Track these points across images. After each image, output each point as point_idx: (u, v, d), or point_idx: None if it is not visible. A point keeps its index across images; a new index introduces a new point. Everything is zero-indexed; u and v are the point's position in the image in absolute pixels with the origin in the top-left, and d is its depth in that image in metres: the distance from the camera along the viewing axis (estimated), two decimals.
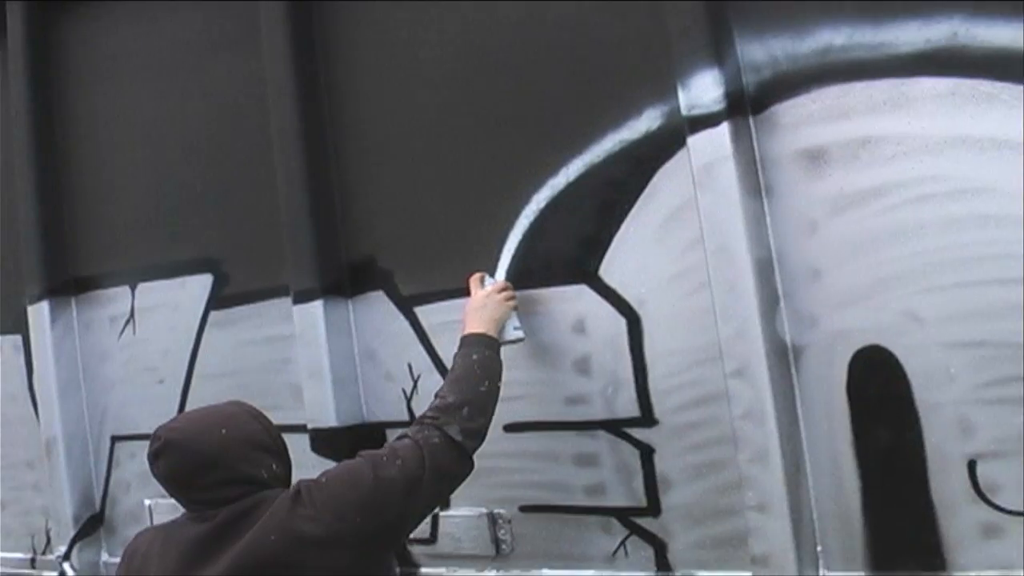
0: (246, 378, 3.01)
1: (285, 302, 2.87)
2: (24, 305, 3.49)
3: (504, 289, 2.48)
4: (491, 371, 2.31)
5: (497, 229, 2.53)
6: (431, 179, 2.67)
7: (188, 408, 3.01)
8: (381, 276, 2.76)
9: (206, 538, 2.00)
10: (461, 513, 2.64)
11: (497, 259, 2.54)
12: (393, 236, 2.74)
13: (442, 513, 2.66)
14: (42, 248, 3.42)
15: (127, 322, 3.33)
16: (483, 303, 2.43)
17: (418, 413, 2.51)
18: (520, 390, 2.51)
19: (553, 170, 2.44)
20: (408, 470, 2.06)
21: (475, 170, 2.59)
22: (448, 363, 2.52)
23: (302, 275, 2.81)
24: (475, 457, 2.39)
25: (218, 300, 3.09)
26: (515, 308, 2.47)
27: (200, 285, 3.13)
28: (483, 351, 2.33)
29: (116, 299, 3.37)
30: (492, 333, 2.39)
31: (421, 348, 2.69)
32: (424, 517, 2.18)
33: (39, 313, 3.43)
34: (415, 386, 2.71)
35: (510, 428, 2.54)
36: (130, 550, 2.17)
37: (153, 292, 3.27)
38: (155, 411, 3.16)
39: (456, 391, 2.23)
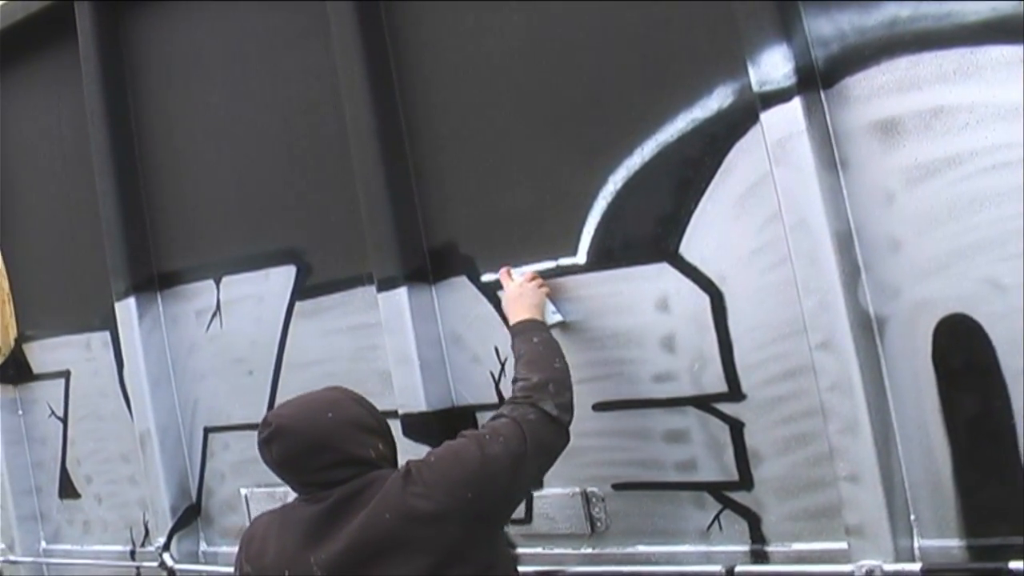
0: (334, 366, 3.18)
1: (369, 290, 3.04)
2: (111, 302, 3.70)
3: (534, 278, 2.67)
4: (556, 350, 2.50)
5: (575, 212, 2.66)
6: (508, 165, 2.79)
7: (279, 398, 3.19)
8: (462, 262, 2.91)
9: (321, 518, 2.21)
10: (555, 492, 2.77)
11: (577, 241, 2.68)
12: (472, 222, 2.88)
13: (536, 493, 2.80)
14: (125, 245, 3.63)
15: (213, 315, 3.52)
16: (520, 292, 2.63)
17: (507, 395, 2.71)
18: (607, 369, 2.66)
19: (628, 151, 2.57)
20: (511, 446, 2.25)
21: (551, 154, 2.71)
22: None
23: (385, 263, 2.97)
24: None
25: (303, 290, 3.26)
26: (548, 294, 2.66)
27: (284, 276, 3.30)
28: (541, 333, 2.52)
29: (201, 293, 3.57)
30: (538, 318, 2.57)
31: (506, 331, 2.77)
32: (528, 491, 2.44)
33: (126, 309, 3.65)
34: (502, 368, 2.84)
35: (599, 407, 2.69)
36: (247, 536, 2.39)
37: (238, 285, 3.45)
38: (246, 402, 3.38)
39: (536, 371, 2.41)
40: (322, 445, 2.24)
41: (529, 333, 2.52)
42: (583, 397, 2.67)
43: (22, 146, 4.10)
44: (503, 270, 2.73)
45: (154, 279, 3.66)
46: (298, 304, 3.27)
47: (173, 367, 3.64)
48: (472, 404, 2.92)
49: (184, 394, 3.64)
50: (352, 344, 3.15)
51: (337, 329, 3.18)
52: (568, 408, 2.39)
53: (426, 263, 2.97)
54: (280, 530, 2.30)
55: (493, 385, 2.89)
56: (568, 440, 2.38)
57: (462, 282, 2.92)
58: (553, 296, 2.69)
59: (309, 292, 3.25)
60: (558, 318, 2.67)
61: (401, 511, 2.17)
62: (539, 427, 2.31)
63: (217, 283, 3.51)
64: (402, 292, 2.94)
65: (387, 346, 2.99)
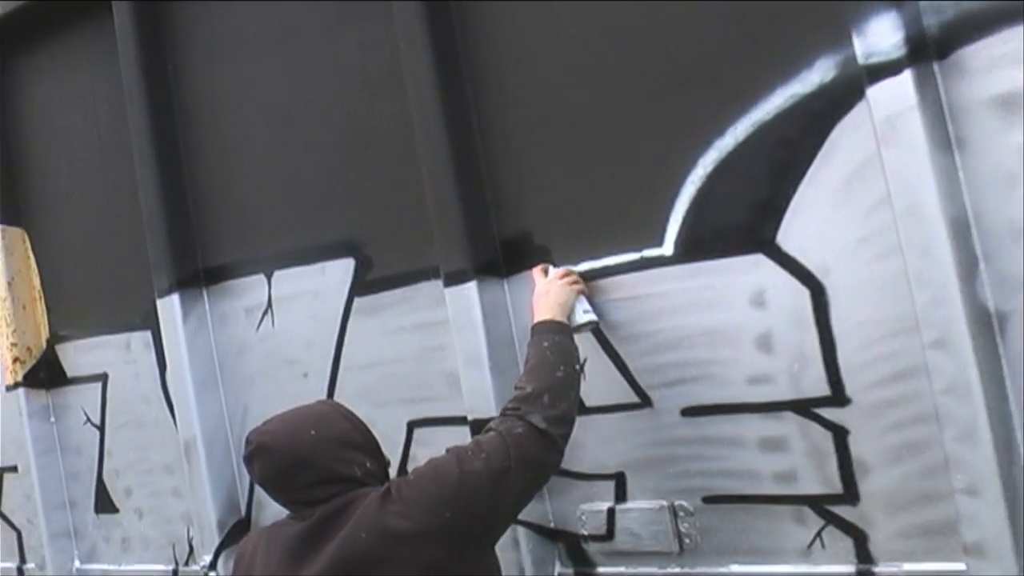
0: (397, 368, 3.28)
1: (435, 285, 3.11)
2: (153, 299, 3.81)
3: (567, 275, 2.76)
4: (565, 356, 2.58)
5: (662, 198, 2.70)
6: (587, 148, 2.84)
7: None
8: (538, 253, 2.96)
9: (304, 537, 2.36)
10: (639, 506, 2.82)
11: (663, 231, 2.72)
12: (548, 211, 2.93)
13: (618, 507, 2.85)
14: (168, 238, 3.74)
15: (264, 313, 3.61)
16: (545, 290, 2.72)
17: (585, 398, 2.82)
18: (697, 371, 2.70)
19: (719, 131, 2.59)
20: (493, 462, 2.37)
21: (634, 136, 2.74)
22: (616, 345, 2.84)
23: (453, 255, 3.04)
24: (650, 445, 2.75)
25: (362, 286, 3.34)
26: (582, 292, 2.75)
27: (341, 270, 3.38)
28: (552, 337, 2.60)
29: (251, 289, 3.66)
30: (559, 318, 2.66)
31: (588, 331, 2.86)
32: (518, 510, 2.47)
33: (169, 307, 3.76)
34: (582, 369, 2.84)
35: (688, 412, 2.73)
36: (239, 553, 2.57)
37: (291, 280, 3.54)
38: None
39: (533, 380, 2.51)
40: (303, 463, 2.39)
41: (543, 336, 2.62)
42: (671, 401, 2.73)
43: (55, 131, 4.20)
44: (538, 267, 2.83)
45: (199, 274, 3.75)
46: (357, 300, 3.36)
47: (220, 369, 3.74)
48: None
49: (233, 399, 3.73)
50: (416, 344, 3.22)
51: (400, 328, 3.25)
52: (561, 421, 2.48)
53: (498, 255, 3.03)
54: (267, 548, 2.45)
55: None
56: (560, 455, 2.48)
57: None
58: (592, 295, 2.77)
59: (369, 287, 3.33)
60: (590, 318, 2.75)
61: (378, 530, 2.31)
62: (526, 441, 2.41)
63: (268, 278, 3.59)
64: (471, 287, 3.01)
65: (455, 346, 3.06)
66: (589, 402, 2.89)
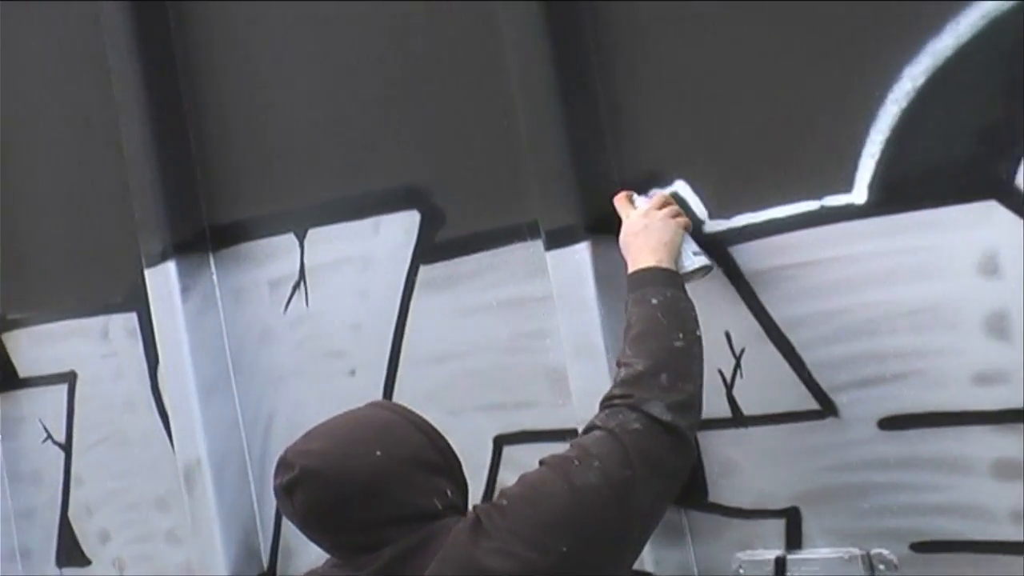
0: (479, 362, 3.32)
1: (533, 248, 3.15)
2: (140, 268, 3.89)
3: (666, 203, 2.83)
4: (682, 316, 2.64)
5: (850, 124, 2.67)
6: (742, 64, 2.85)
7: None
8: (682, 205, 2.95)
9: None
10: (820, 555, 2.83)
11: (852, 172, 2.69)
12: (688, 148, 2.95)
13: (791, 556, 2.87)
14: (161, 187, 3.81)
15: (296, 287, 3.66)
16: (642, 224, 2.80)
17: (743, 403, 2.90)
18: (901, 366, 2.69)
19: (934, 28, 2.55)
20: (611, 471, 2.41)
21: (808, 46, 2.74)
22: (786, 330, 2.84)
23: (557, 207, 3.06)
24: (834, 470, 2.77)
25: (431, 249, 3.38)
26: (687, 228, 2.83)
27: (401, 228, 3.43)
28: (663, 290, 2.66)
29: (276, 253, 3.71)
30: (667, 264, 2.72)
31: (743, 307, 2.90)
32: (646, 536, 2.51)
33: (163, 278, 3.83)
34: (738, 365, 2.92)
35: (888, 424, 2.73)
36: None
37: (331, 241, 3.59)
38: None
39: (644, 353, 2.57)
40: (370, 494, 2.38)
41: (647, 289, 2.67)
42: (864, 408, 2.75)
43: (21, 61, 4.29)
44: (620, 195, 2.90)
45: (205, 234, 3.82)
46: (423, 269, 3.41)
47: (234, 365, 3.82)
48: None
49: (252, 405, 3.82)
50: (506, 328, 3.27)
51: (483, 305, 3.31)
52: (687, 407, 2.54)
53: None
54: None
55: (724, 391, 2.96)
56: (692, 453, 2.56)
57: None
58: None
59: (440, 251, 3.38)
60: (702, 262, 2.81)
61: (472, 573, 2.33)
62: (647, 439, 2.46)
63: (300, 239, 3.66)
64: (583, 249, 3.05)
65: (560, 330, 3.11)
66: (749, 409, 2.92)
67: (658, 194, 2.89)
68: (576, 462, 2.43)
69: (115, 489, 4.14)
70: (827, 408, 2.82)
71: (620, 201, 2.92)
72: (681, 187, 2.98)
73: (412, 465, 2.42)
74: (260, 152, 3.77)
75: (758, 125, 2.86)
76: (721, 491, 2.92)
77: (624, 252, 2.82)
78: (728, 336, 2.95)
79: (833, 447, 2.82)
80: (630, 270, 2.76)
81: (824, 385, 2.82)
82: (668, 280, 2.72)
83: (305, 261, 3.68)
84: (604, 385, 2.88)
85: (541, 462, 2.50)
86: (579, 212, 3.05)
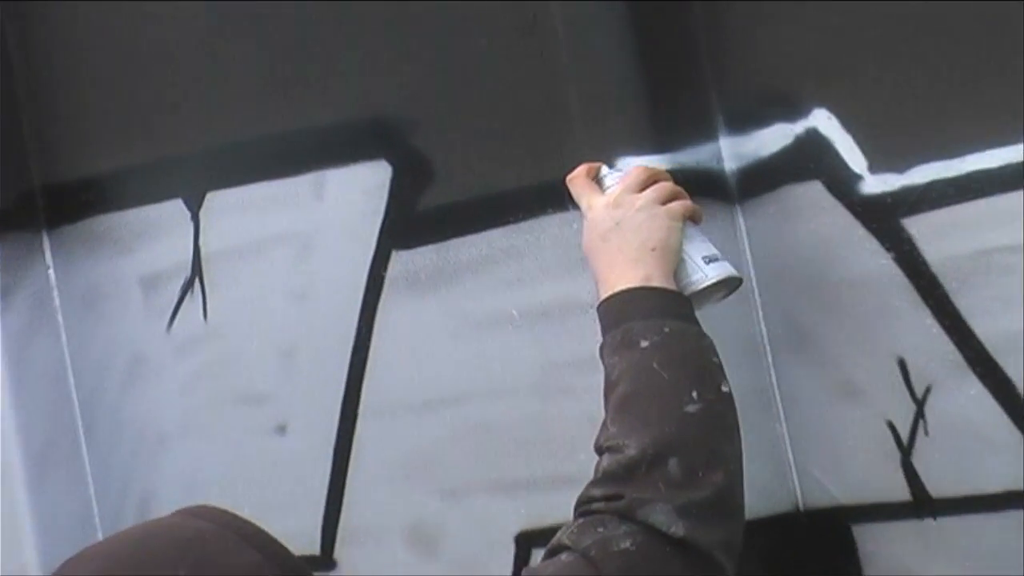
0: (492, 410, 3.16)
1: (578, 222, 2.91)
2: None
3: (650, 181, 2.71)
4: (695, 362, 2.52)
5: None
6: None
7: (355, 495, 3.23)
8: (800, 160, 2.89)
9: None
10: None
11: None
12: (826, 63, 2.87)
13: None
14: None
15: (186, 287, 3.54)
16: (612, 221, 2.68)
17: (929, 478, 2.82)
18: None
19: None
20: None
21: None
22: (999, 352, 2.76)
23: (618, 160, 2.89)
24: None
25: (409, 223, 3.24)
26: (692, 216, 2.70)
27: (360, 190, 3.30)
28: (658, 324, 2.53)
29: (154, 232, 3.57)
30: (660, 279, 2.59)
31: (928, 318, 2.78)
32: None
33: None
34: (920, 414, 2.77)
35: None
36: None
37: (245, 211, 3.44)
38: (272, 506, 3.31)
39: (638, 428, 2.45)
40: None
41: (632, 326, 2.57)
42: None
43: None
44: (580, 170, 2.79)
45: (34, 201, 3.71)
46: (397, 257, 3.28)
47: (85, 418, 3.70)
48: (836, 503, 2.92)
49: (113, 486, 3.69)
50: (535, 353, 3.10)
51: (497, 316, 3.15)
52: (712, 510, 2.42)
53: (719, 159, 2.99)
54: None
55: (897, 457, 2.85)
56: None
57: (814, 190, 2.89)
58: (701, 221, 2.72)
59: (425, 227, 3.24)
60: (720, 272, 2.65)
61: None
62: (645, 566, 2.36)
63: (193, 208, 3.53)
64: None
65: None
66: (939, 487, 2.83)
67: (635, 167, 2.77)
68: None
69: None
70: None
71: (578, 182, 2.79)
72: (822, 120, 2.89)
73: None
74: (125, 64, 3.62)
75: (951, 23, 2.75)
76: None
77: (591, 266, 2.71)
78: (903, 366, 2.84)
79: None
80: (601, 295, 2.62)
81: None
82: (664, 306, 2.60)
83: (201, 244, 3.52)
84: None
85: None
86: (654, 165, 2.87)
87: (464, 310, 3.22)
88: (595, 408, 2.78)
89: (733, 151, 3.03)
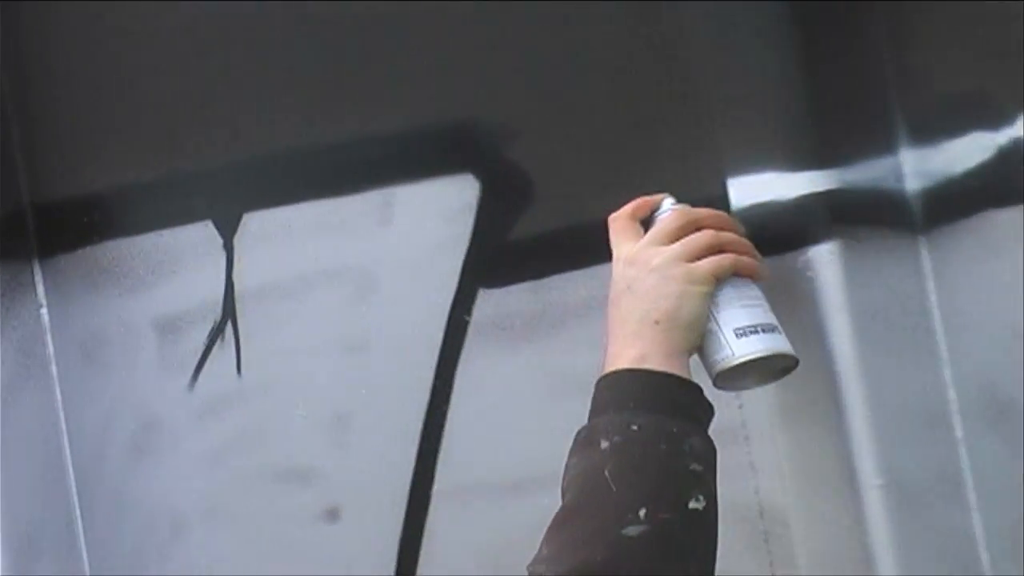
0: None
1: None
2: None
3: (685, 230, 2.61)
4: (655, 472, 2.45)
5: None
6: None
7: None
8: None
9: None
10: None
11: None
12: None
13: None
14: None
15: (216, 332, 3.45)
16: (625, 282, 2.63)
17: None
18: None
19: None
20: None
21: None
22: None
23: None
24: None
25: (502, 255, 3.16)
26: (753, 276, 2.63)
27: (439, 211, 3.19)
28: (627, 421, 2.47)
29: (175, 263, 3.46)
30: (656, 360, 2.52)
31: None
32: None
33: None
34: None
35: None
36: None
37: (291, 237, 3.33)
38: None
39: (563, 550, 2.41)
40: None
41: (602, 421, 2.52)
42: None
43: None
44: (630, 205, 2.74)
45: (24, 222, 3.63)
46: (486, 297, 3.18)
47: (82, 493, 3.62)
48: None
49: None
50: None
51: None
52: None
53: (900, 173, 2.92)
54: None
55: None
56: None
57: (1004, 222, 2.81)
58: (767, 279, 2.65)
59: (524, 260, 3.15)
60: (748, 354, 2.56)
61: None
62: None
63: (226, 234, 3.43)
64: (826, 256, 2.85)
65: None
66: None
67: (672, 211, 2.69)
68: None
69: None
70: None
71: (617, 224, 2.71)
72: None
73: None
74: (139, 55, 3.53)
75: None
76: None
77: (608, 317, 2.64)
78: None
79: None
80: (607, 363, 2.58)
81: None
82: (644, 395, 2.53)
83: (235, 279, 3.41)
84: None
85: None
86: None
87: (565, 366, 3.08)
88: (752, 499, 3.02)
89: (917, 167, 2.92)
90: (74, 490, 3.67)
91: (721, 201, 2.91)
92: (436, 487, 3.27)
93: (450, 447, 3.24)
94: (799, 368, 2.80)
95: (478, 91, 3.22)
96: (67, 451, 3.69)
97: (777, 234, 2.95)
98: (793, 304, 2.96)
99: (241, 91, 3.44)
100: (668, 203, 2.67)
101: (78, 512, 3.66)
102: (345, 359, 3.33)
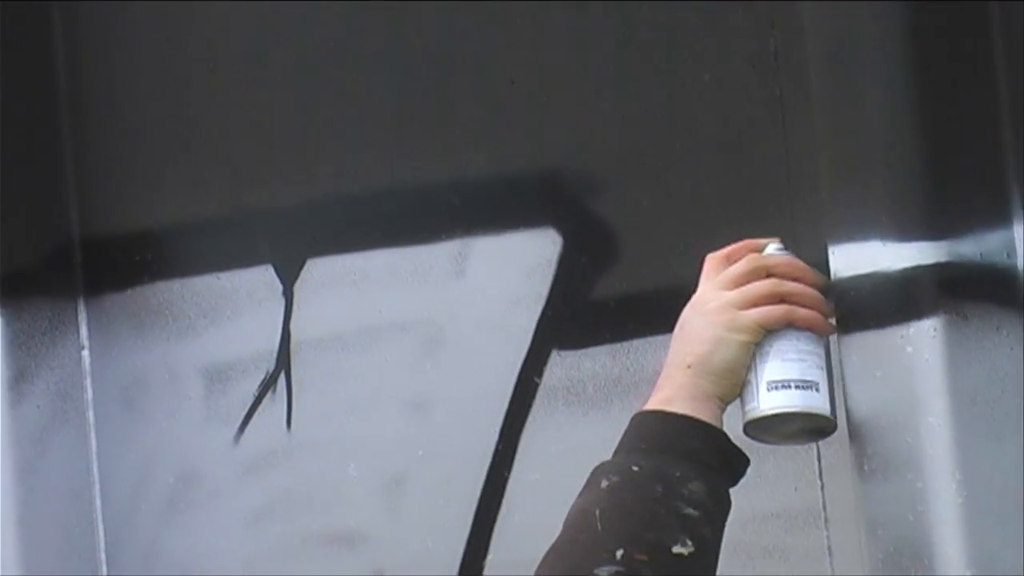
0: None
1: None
2: None
3: (748, 276, 2.62)
4: (643, 514, 2.44)
5: None
6: None
7: None
8: None
9: None
10: None
11: None
12: None
13: None
14: None
15: (267, 384, 3.40)
16: (681, 323, 2.65)
17: None
18: None
19: None
20: None
21: None
22: None
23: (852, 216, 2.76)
24: None
25: (579, 313, 3.14)
26: (814, 328, 2.61)
27: (517, 266, 3.19)
28: (631, 462, 2.49)
29: (229, 308, 3.45)
30: (682, 404, 2.52)
31: None
32: None
33: None
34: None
35: None
36: None
37: (355, 287, 3.32)
38: None
39: None
40: None
41: (612, 462, 2.54)
42: None
43: None
44: (730, 247, 2.73)
45: (71, 258, 3.56)
46: (559, 359, 3.18)
47: (110, 548, 3.55)
48: None
49: None
50: (740, 502, 2.75)
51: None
52: None
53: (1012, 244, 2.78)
54: None
55: None
56: None
57: None
58: (827, 334, 2.64)
59: (601, 319, 3.13)
60: (774, 407, 2.56)
61: None
62: None
63: (286, 280, 3.40)
64: (928, 331, 2.72)
65: None
66: None
67: (750, 256, 2.71)
68: None
69: None
70: None
71: (708, 263, 2.75)
72: None
73: None
74: (202, 86, 3.52)
75: None
76: None
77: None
78: None
79: None
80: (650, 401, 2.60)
81: None
82: (656, 438, 2.54)
83: (292, 328, 3.36)
84: None
85: None
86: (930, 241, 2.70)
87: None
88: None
89: None
90: (102, 545, 3.57)
91: (821, 268, 2.81)
92: (490, 557, 3.22)
93: (508, 517, 3.20)
94: (888, 448, 2.75)
95: (567, 140, 3.20)
96: (98, 502, 3.60)
97: (878, 306, 2.84)
98: (888, 380, 2.82)
99: (315, 127, 3.41)
100: (773, 248, 2.64)
101: (104, 570, 3.57)
102: (404, 417, 3.30)
